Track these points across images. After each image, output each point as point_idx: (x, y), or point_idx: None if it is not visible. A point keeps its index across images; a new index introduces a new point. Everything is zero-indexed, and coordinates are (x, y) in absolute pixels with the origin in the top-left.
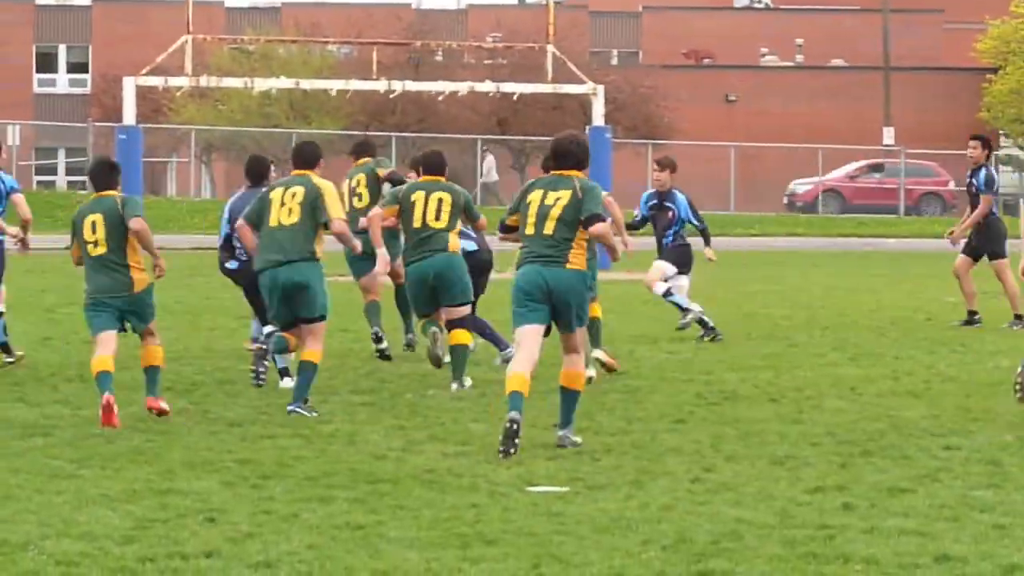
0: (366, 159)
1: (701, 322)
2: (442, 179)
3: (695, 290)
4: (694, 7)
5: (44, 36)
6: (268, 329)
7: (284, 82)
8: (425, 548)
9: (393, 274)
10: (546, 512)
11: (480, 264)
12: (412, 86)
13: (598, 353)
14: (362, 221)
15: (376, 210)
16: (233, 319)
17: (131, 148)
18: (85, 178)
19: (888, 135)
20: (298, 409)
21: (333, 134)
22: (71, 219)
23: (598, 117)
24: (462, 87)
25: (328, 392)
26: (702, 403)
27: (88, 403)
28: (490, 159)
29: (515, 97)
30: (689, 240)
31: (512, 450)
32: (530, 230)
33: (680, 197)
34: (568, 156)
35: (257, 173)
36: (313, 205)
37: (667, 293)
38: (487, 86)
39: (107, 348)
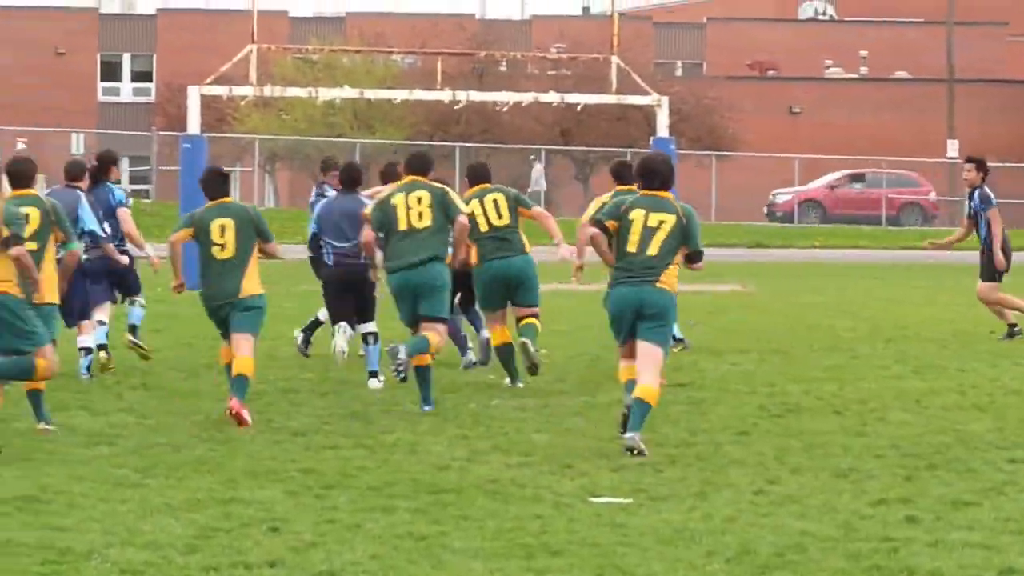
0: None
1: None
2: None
3: (754, 301)
4: (759, 18)
5: (109, 45)
6: (368, 328)
7: (348, 92)
8: (489, 559)
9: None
10: (610, 523)
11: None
12: (476, 96)
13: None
14: None
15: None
16: (296, 327)
17: (195, 157)
18: (149, 187)
19: (952, 147)
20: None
21: (397, 144)
22: (191, 215)
23: (662, 128)
24: (526, 97)
25: (391, 403)
26: (765, 415)
27: (152, 412)
28: (537, 168)
29: (579, 108)
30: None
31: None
32: (632, 248)
33: None
34: (656, 175)
35: (350, 179)
36: (443, 204)
37: None
38: (551, 96)
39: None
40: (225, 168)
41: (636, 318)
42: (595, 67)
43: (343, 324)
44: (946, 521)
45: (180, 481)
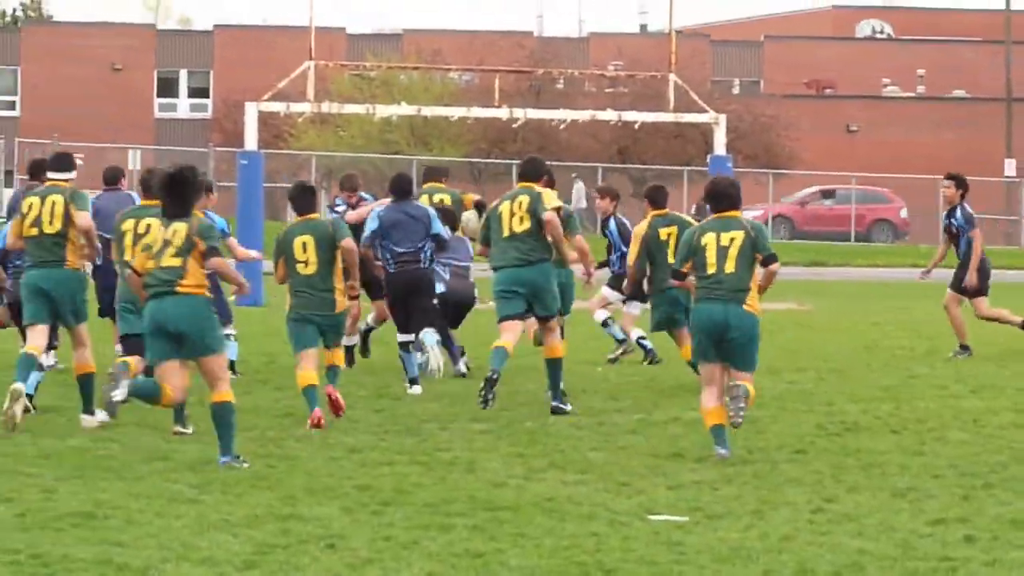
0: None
1: (641, 345)
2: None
3: (812, 320)
4: (816, 37)
5: (165, 61)
6: (431, 337)
7: (406, 108)
8: None
9: None
10: (666, 541)
11: (457, 300)
12: (534, 114)
13: None
14: None
15: None
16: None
17: (252, 174)
18: None
19: (1010, 167)
20: (561, 405)
21: (454, 161)
22: (276, 240)
23: (719, 146)
24: (584, 115)
25: (447, 419)
26: (823, 434)
27: (208, 427)
28: (579, 185)
29: (636, 126)
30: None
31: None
32: (712, 269)
33: (611, 225)
34: (726, 198)
35: (402, 189)
36: (534, 205)
37: (605, 323)
38: (609, 114)
39: (311, 363)
40: (280, 184)
41: (721, 339)
42: (652, 85)
43: (429, 342)
44: (1004, 540)
45: (237, 497)
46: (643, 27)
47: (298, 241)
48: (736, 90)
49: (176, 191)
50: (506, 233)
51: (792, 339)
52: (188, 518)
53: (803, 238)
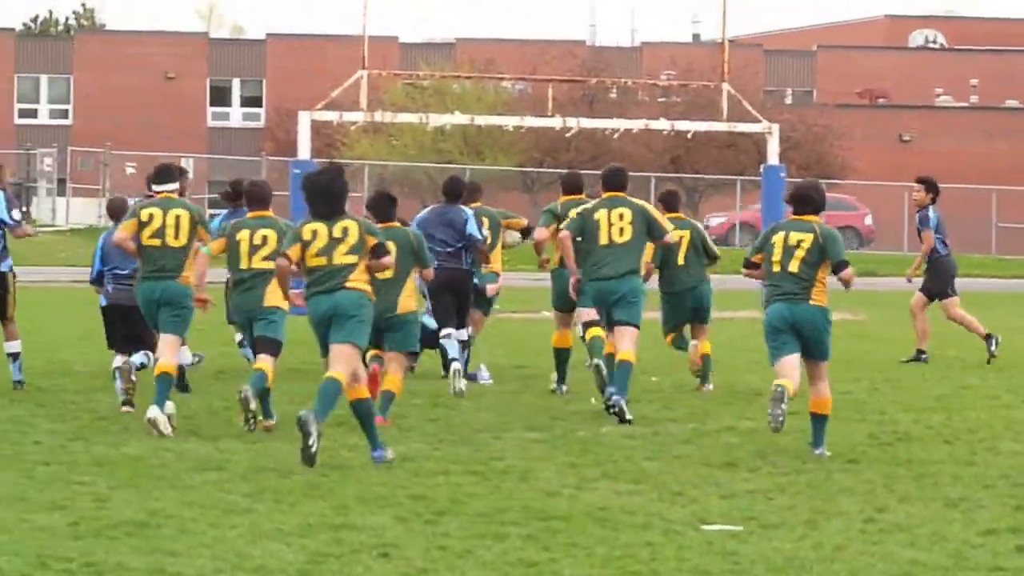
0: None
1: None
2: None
3: (865, 330)
4: (869, 46)
5: (218, 70)
6: (463, 335)
7: (459, 118)
8: None
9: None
10: (720, 551)
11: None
12: (587, 123)
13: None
14: None
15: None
16: None
17: None
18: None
19: None
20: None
21: (507, 170)
22: None
23: (773, 156)
24: (637, 124)
25: (501, 429)
26: (875, 443)
27: (262, 437)
28: None
29: (689, 135)
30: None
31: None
32: (776, 268)
33: None
34: (809, 202)
35: (453, 191)
36: (647, 222)
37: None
38: (662, 124)
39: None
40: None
41: (795, 336)
42: (705, 94)
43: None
44: None
45: (291, 507)
46: (696, 36)
47: None
48: (789, 100)
49: (330, 194)
50: (604, 242)
51: (844, 349)
52: (241, 527)
53: None
